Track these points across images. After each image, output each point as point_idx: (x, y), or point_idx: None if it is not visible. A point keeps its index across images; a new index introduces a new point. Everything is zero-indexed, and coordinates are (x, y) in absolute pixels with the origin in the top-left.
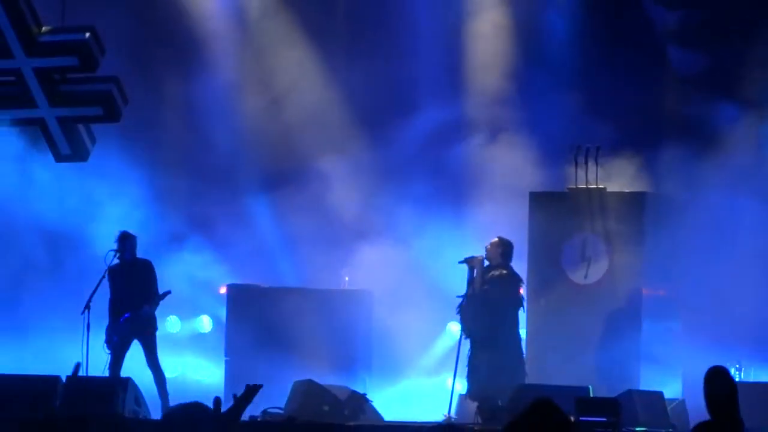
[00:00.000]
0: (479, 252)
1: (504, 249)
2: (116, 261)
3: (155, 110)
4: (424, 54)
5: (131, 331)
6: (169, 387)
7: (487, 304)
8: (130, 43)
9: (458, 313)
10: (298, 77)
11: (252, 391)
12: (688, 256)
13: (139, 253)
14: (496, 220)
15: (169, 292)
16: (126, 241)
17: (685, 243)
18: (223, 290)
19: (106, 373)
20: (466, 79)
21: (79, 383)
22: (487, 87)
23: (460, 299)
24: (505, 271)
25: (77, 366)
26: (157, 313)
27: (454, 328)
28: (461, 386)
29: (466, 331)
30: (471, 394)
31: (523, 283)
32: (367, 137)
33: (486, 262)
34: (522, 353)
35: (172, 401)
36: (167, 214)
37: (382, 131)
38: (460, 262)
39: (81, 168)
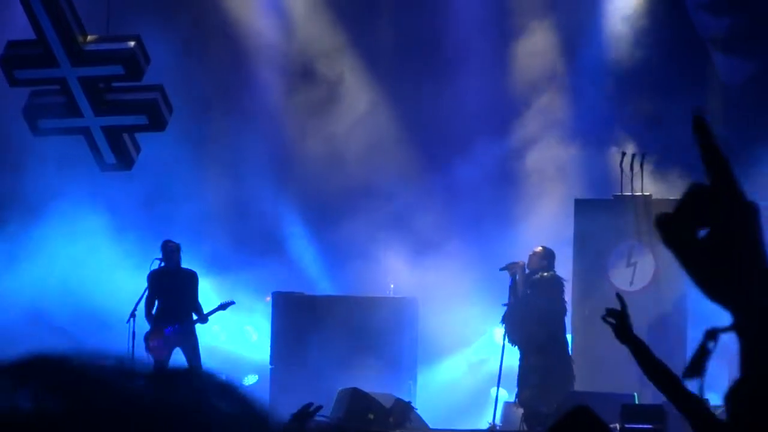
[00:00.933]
0: (522, 259)
1: (547, 258)
2: (159, 268)
3: (206, 121)
4: (479, 74)
5: (175, 341)
6: None
7: (532, 309)
8: (175, 54)
9: (502, 322)
10: (350, 95)
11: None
12: None
13: (192, 265)
14: (546, 228)
15: (232, 303)
16: (169, 249)
17: None
18: (268, 299)
19: None
20: (519, 94)
21: None
22: (539, 100)
23: (505, 308)
24: (546, 274)
25: None
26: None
27: (498, 333)
28: (506, 394)
29: (511, 339)
30: (521, 401)
31: (565, 284)
32: (423, 157)
33: (527, 270)
34: (570, 359)
35: None
36: (221, 225)
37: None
38: (501, 269)
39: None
